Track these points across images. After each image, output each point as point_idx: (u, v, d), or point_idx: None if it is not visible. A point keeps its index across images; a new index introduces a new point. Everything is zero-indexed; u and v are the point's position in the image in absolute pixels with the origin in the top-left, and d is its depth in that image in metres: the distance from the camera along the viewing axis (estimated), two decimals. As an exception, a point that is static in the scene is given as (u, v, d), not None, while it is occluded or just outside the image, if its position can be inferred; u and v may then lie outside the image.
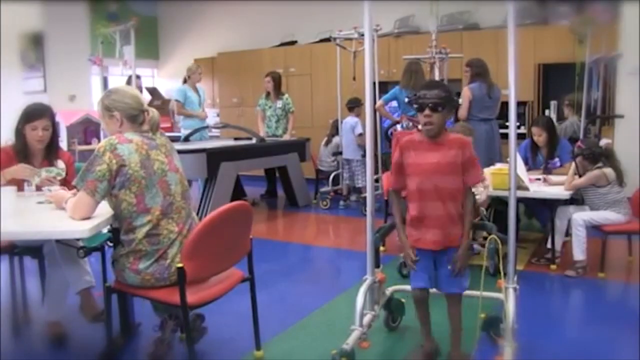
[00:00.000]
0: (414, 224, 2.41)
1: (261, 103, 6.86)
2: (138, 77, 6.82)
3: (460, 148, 2.34)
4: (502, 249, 2.52)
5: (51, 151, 3.08)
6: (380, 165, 5.97)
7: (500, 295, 2.55)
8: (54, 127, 3.04)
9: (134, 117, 2.38)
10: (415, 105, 2.36)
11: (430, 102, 2.29)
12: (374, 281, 2.62)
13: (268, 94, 6.79)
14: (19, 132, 2.98)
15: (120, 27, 5.61)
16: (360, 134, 6.20)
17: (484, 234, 3.79)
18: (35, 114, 2.96)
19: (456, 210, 2.37)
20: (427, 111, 2.30)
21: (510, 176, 2.45)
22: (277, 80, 6.71)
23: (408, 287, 3.12)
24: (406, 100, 2.44)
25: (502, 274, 2.44)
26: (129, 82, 6.32)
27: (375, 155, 5.97)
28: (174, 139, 6.72)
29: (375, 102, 5.50)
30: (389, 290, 2.90)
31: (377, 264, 2.68)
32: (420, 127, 2.41)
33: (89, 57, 5.98)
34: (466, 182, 2.36)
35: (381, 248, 4.05)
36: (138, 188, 2.23)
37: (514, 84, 2.36)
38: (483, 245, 3.70)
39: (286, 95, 6.74)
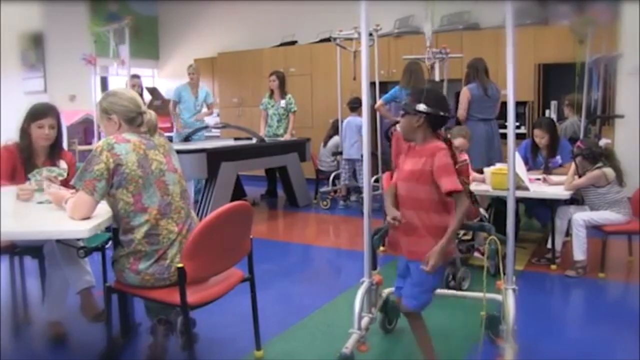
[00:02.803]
0: (396, 228, 2.37)
1: (264, 102, 6.86)
2: (138, 76, 6.83)
3: (431, 156, 2.26)
4: (501, 249, 2.52)
5: (54, 151, 3.09)
6: (380, 165, 5.97)
7: (499, 296, 2.55)
8: (59, 126, 3.05)
9: (132, 120, 2.38)
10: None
11: (405, 108, 2.36)
12: (371, 284, 2.62)
13: (272, 93, 6.79)
14: (24, 131, 2.99)
15: (114, 26, 5.57)
16: None
17: (484, 234, 3.78)
18: (42, 112, 2.98)
19: (430, 223, 2.28)
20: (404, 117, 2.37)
21: (509, 176, 2.45)
22: (282, 79, 6.71)
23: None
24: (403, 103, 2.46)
25: (502, 274, 2.43)
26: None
27: (375, 155, 5.97)
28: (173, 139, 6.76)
29: (374, 102, 5.50)
30: (385, 292, 2.89)
31: (374, 266, 2.68)
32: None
33: (82, 57, 5.93)
34: (443, 190, 2.23)
35: (381, 248, 4.07)
36: (135, 187, 2.23)
37: (512, 84, 2.36)
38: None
39: (289, 95, 6.74)
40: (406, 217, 2.31)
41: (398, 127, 5.48)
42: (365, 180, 2.61)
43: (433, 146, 2.30)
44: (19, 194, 2.68)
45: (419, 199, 2.29)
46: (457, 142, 3.71)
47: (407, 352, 2.69)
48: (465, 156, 3.65)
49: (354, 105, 6.41)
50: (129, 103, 2.38)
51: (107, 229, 2.70)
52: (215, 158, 5.52)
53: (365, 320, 2.55)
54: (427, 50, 5.60)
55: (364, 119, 2.59)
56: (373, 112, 5.39)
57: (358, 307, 2.46)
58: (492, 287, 2.56)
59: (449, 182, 2.21)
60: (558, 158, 4.32)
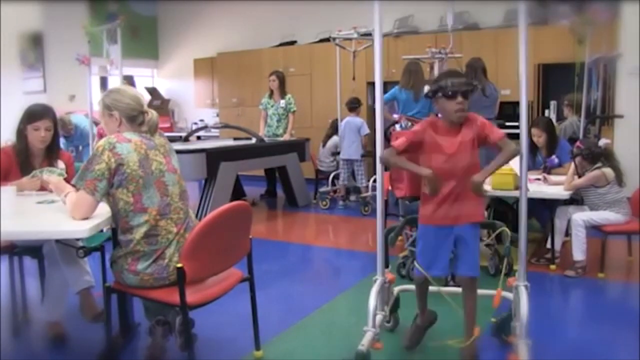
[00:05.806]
0: (430, 203, 2.44)
1: (264, 102, 6.87)
2: (130, 77, 6.78)
3: (473, 122, 2.44)
4: (500, 248, 2.52)
5: (52, 152, 3.08)
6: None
7: (508, 295, 2.56)
8: (55, 127, 3.04)
9: (133, 118, 2.38)
10: (439, 94, 2.39)
11: (462, 89, 2.36)
12: (384, 281, 2.61)
13: (271, 93, 6.80)
14: (21, 133, 2.98)
15: (106, 26, 5.55)
16: (367, 134, 6.22)
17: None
18: (37, 114, 2.97)
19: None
20: (459, 98, 2.36)
21: (520, 176, 2.47)
22: (282, 79, 6.73)
23: (414, 287, 3.12)
24: (427, 88, 2.44)
25: (508, 273, 2.44)
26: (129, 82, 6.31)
27: (375, 155, 5.95)
28: (174, 139, 6.76)
29: (373, 102, 5.49)
30: (395, 291, 2.89)
31: (386, 264, 2.68)
32: (453, 114, 2.41)
33: (75, 57, 5.91)
34: (492, 142, 2.43)
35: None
36: (135, 187, 2.23)
37: (524, 85, 2.38)
38: (488, 245, 3.67)
39: (289, 95, 6.74)
40: (450, 187, 2.39)
41: (397, 127, 5.49)
42: (379, 179, 2.60)
43: (471, 115, 2.46)
44: (26, 183, 2.69)
45: (468, 166, 2.40)
46: None
47: (417, 348, 2.68)
48: None
49: (353, 106, 6.41)
50: (131, 101, 2.38)
51: (101, 231, 2.70)
52: (214, 158, 5.52)
53: (378, 318, 2.54)
54: (449, 46, 5.58)
55: (377, 119, 2.58)
56: (372, 112, 5.39)
57: (373, 305, 2.45)
58: (493, 287, 2.57)
59: (497, 132, 2.44)
60: (554, 157, 4.30)
